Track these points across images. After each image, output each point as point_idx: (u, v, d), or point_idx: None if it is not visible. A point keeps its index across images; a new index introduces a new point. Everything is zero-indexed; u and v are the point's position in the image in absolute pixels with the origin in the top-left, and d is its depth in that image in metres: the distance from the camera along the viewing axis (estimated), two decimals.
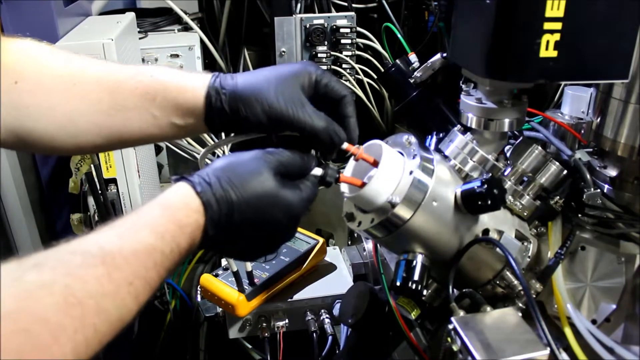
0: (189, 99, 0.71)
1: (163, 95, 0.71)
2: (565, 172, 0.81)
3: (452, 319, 0.68)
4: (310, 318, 1.10)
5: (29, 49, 0.73)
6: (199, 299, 1.18)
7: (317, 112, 0.70)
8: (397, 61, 1.36)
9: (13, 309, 0.44)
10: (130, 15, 1.45)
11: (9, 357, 0.42)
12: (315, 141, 0.70)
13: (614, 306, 0.77)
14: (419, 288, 0.71)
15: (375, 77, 1.62)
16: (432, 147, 0.84)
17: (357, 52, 1.59)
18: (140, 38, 1.55)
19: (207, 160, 0.81)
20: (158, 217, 0.59)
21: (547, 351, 0.63)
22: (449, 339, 0.67)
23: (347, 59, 1.56)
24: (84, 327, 0.48)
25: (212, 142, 1.57)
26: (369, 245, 1.15)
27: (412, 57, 1.34)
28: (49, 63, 0.72)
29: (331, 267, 1.20)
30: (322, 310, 1.11)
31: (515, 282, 0.77)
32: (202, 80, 0.72)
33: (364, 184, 0.72)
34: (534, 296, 0.77)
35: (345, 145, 0.71)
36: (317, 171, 0.70)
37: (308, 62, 0.73)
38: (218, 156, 1.46)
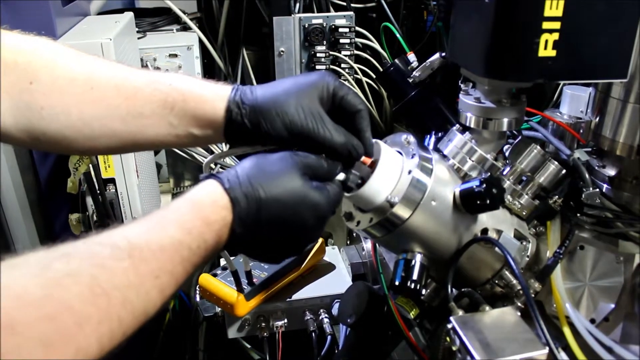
0: (208, 111, 0.71)
1: (181, 105, 0.71)
2: (564, 171, 0.81)
3: (451, 318, 0.68)
4: (309, 318, 1.10)
5: (42, 49, 0.72)
6: (197, 298, 1.18)
7: (337, 127, 0.70)
8: (396, 61, 1.35)
9: (39, 296, 0.44)
10: (129, 15, 1.45)
11: (33, 343, 0.42)
12: (334, 155, 0.70)
13: (613, 305, 0.77)
14: (418, 287, 0.71)
15: (374, 76, 1.62)
16: (431, 146, 0.84)
17: (356, 52, 1.59)
18: (138, 38, 1.55)
19: (211, 165, 0.80)
20: (186, 213, 0.59)
21: (546, 350, 0.62)
22: (447, 339, 0.67)
23: (346, 58, 1.56)
24: (109, 318, 0.48)
25: (215, 147, 1.57)
26: (367, 244, 1.15)
27: (411, 56, 1.34)
28: (64, 65, 0.71)
29: (330, 267, 1.20)
30: (321, 310, 1.11)
31: (514, 281, 0.77)
32: (221, 93, 0.72)
33: None
34: (533, 295, 0.77)
35: (363, 158, 0.72)
36: (341, 176, 0.70)
37: (326, 72, 0.73)
38: (222, 167, 1.45)
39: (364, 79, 1.63)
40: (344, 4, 1.59)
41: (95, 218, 1.25)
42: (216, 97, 0.71)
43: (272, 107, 0.69)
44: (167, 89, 0.72)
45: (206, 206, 0.61)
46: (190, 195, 0.62)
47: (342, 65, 1.58)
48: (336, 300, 1.09)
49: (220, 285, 1.08)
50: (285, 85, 0.71)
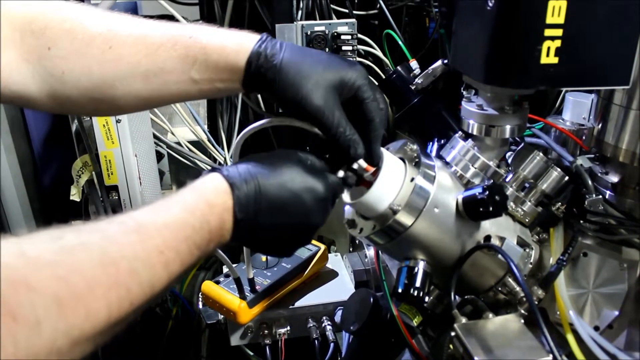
0: (230, 62, 0.70)
1: (203, 59, 0.71)
2: (566, 178, 0.80)
3: (454, 325, 0.67)
4: (312, 325, 1.10)
5: (57, 12, 0.72)
6: (200, 306, 1.18)
7: (345, 119, 0.70)
8: (398, 68, 1.36)
9: (53, 260, 0.47)
10: None
11: (47, 300, 0.45)
12: (334, 145, 0.70)
13: (617, 312, 0.76)
14: (421, 295, 0.71)
15: (377, 83, 1.62)
16: (434, 153, 0.84)
17: (358, 59, 1.59)
18: None
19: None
20: (189, 197, 0.62)
21: (550, 358, 0.62)
22: (451, 346, 0.67)
23: None
24: (117, 286, 0.51)
25: (213, 147, 1.57)
26: (370, 251, 1.15)
27: (413, 63, 1.35)
28: (81, 26, 0.71)
29: (333, 274, 1.20)
30: (324, 317, 1.11)
31: (518, 288, 0.76)
32: (245, 43, 0.71)
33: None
34: (536, 303, 0.77)
35: (365, 165, 0.72)
36: (340, 173, 0.71)
37: (359, 67, 0.72)
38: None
39: None
40: (346, 11, 1.59)
41: None
42: (239, 47, 0.71)
43: (292, 74, 0.69)
44: (187, 42, 0.71)
45: (208, 190, 0.63)
46: (193, 184, 0.64)
47: None
48: (339, 308, 1.09)
49: (223, 292, 1.08)
50: (315, 58, 0.71)
